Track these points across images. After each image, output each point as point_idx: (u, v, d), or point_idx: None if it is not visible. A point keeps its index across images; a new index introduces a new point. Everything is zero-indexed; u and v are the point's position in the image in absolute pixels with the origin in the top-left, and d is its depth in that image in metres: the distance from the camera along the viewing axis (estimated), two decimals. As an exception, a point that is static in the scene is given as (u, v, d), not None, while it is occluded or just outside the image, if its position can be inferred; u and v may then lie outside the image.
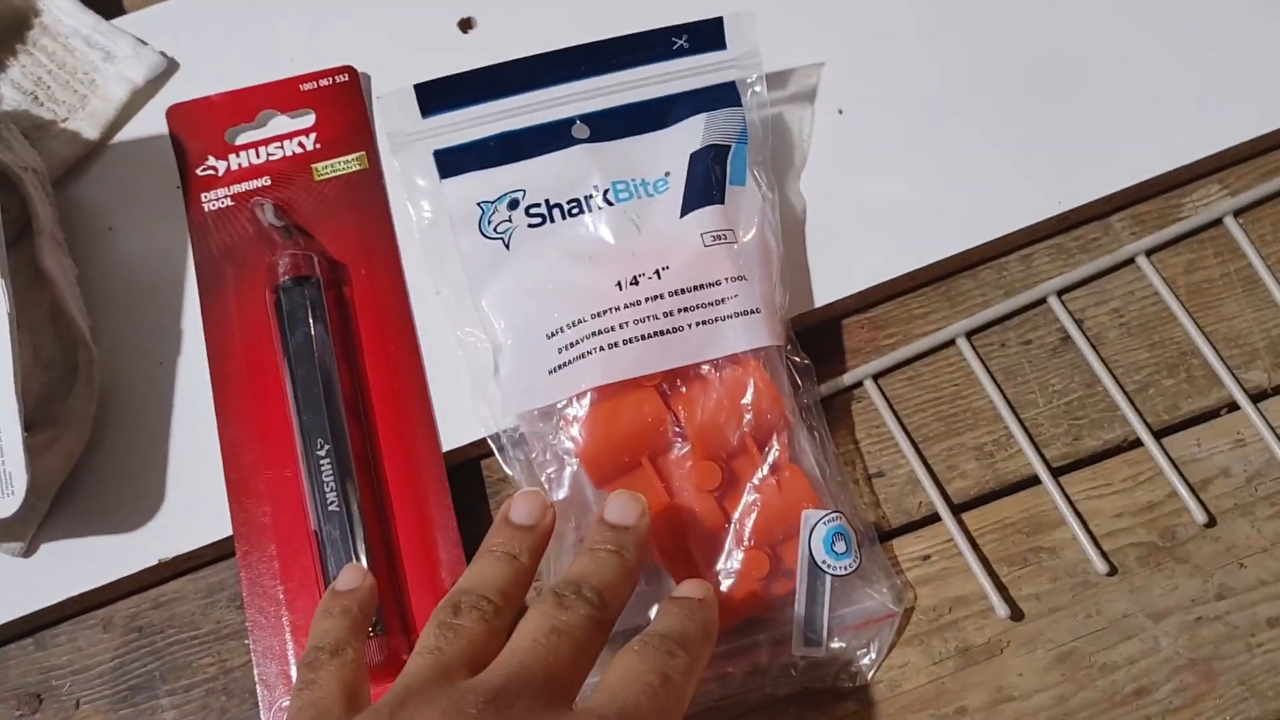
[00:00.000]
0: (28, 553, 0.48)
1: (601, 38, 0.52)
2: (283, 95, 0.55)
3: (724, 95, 0.50)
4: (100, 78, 0.56)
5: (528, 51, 0.52)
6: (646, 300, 0.47)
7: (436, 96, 0.49)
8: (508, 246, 0.49)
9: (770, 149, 0.52)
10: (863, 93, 0.55)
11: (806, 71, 0.54)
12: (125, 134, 0.55)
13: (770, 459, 0.46)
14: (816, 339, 0.51)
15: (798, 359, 0.48)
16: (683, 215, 0.48)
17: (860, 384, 0.51)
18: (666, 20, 0.51)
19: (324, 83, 0.55)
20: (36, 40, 0.57)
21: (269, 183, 0.53)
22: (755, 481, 0.46)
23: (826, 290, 0.51)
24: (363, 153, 0.54)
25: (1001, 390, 0.51)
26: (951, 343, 0.52)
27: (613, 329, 0.46)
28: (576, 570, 0.40)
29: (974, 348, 0.51)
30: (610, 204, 0.49)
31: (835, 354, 0.52)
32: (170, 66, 0.56)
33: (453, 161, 0.49)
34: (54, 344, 0.50)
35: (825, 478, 0.47)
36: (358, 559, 0.46)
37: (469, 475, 0.50)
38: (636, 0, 0.54)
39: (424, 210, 0.51)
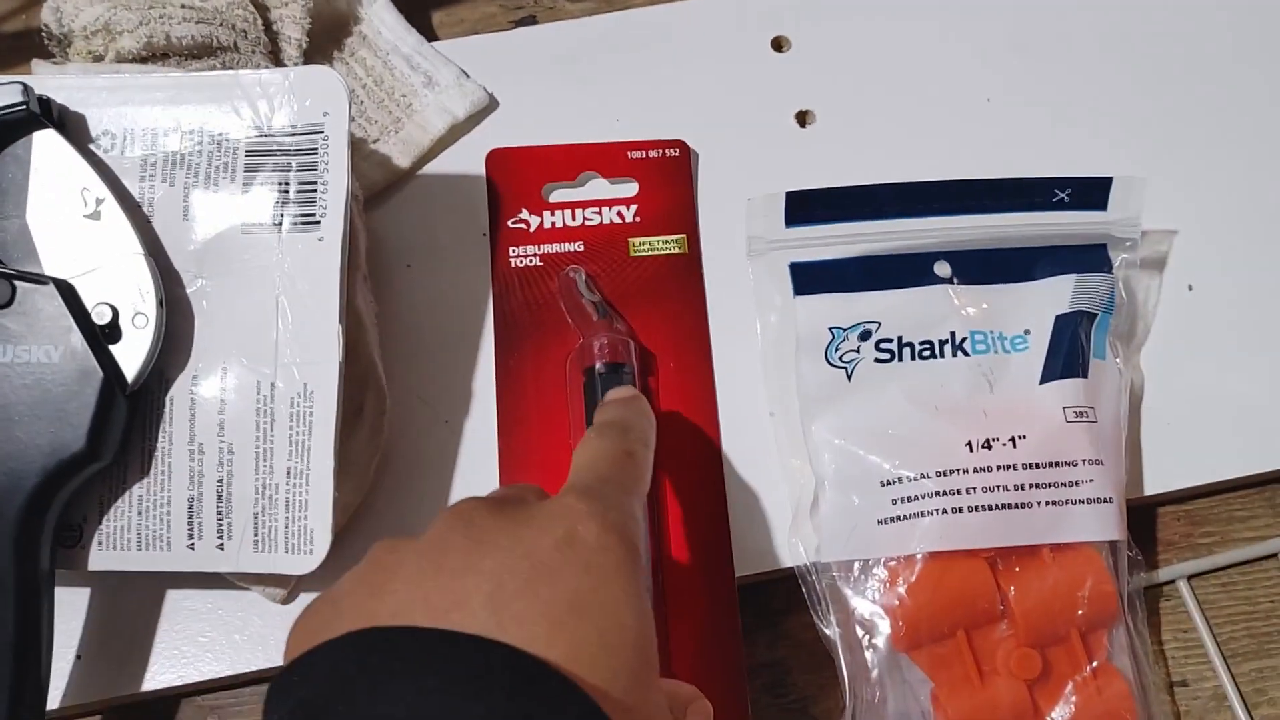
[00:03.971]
0: (288, 600, 0.46)
1: (942, 154, 0.51)
2: (608, 159, 0.52)
3: (1096, 259, 0.47)
4: (419, 104, 0.53)
5: (861, 153, 0.52)
6: (998, 468, 0.44)
7: (803, 207, 0.47)
8: (849, 377, 0.46)
9: (1124, 320, 0.49)
10: (1216, 270, 0.51)
11: (1157, 238, 0.51)
12: (434, 167, 0.53)
13: (1094, 659, 0.43)
14: (1129, 522, 0.48)
15: (1131, 553, 0.46)
16: (1042, 382, 0.45)
17: (1173, 582, 0.48)
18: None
19: (653, 154, 0.52)
20: (355, 50, 0.54)
21: (582, 248, 0.51)
22: (1078, 680, 0.43)
23: (1156, 480, 0.48)
24: (684, 235, 0.51)
25: (1321, 617, 0.48)
26: (1274, 555, 0.49)
27: (959, 492, 0.44)
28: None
29: (1297, 565, 0.49)
30: (965, 354, 0.46)
31: (1147, 542, 0.49)
32: (490, 104, 0.54)
33: (809, 278, 0.47)
34: (345, 383, 0.48)
35: (1142, 683, 0.44)
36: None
37: (750, 597, 0.48)
38: (977, 129, 0.53)
39: (770, 322, 0.48)
